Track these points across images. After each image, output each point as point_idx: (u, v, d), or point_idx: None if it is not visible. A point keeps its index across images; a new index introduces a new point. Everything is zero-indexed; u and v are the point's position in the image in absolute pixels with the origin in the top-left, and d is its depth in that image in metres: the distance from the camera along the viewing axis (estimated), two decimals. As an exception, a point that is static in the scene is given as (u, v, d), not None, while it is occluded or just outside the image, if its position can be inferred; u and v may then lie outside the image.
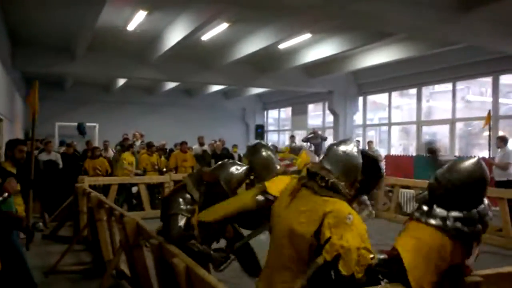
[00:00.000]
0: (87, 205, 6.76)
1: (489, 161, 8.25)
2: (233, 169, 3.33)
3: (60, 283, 5.32)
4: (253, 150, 3.43)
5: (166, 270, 3.19)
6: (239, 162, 3.50)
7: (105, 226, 5.91)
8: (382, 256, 2.21)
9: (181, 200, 3.18)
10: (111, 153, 12.17)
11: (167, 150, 12.89)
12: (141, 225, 3.85)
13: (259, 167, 3.30)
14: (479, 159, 2.25)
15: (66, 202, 8.55)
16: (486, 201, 2.30)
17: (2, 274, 3.34)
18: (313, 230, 2.11)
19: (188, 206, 3.17)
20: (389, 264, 2.18)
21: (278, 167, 3.31)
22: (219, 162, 3.50)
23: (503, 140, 8.49)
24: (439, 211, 2.21)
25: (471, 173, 2.20)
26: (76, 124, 15.87)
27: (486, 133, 12.05)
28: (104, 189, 9.74)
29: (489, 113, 9.13)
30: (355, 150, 2.35)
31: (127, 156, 10.93)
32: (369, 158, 2.52)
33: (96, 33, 8.92)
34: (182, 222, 3.10)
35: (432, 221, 2.20)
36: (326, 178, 2.22)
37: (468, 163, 2.25)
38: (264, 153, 3.32)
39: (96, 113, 16.73)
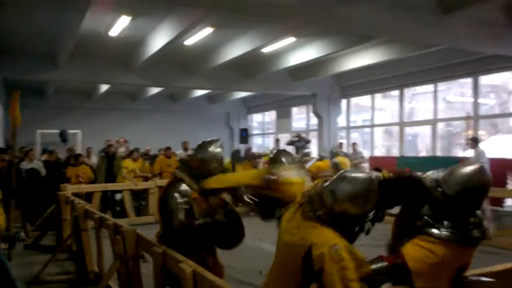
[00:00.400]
0: (72, 214, 6.66)
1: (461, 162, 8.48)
2: (211, 148, 3.47)
3: (43, 294, 5.23)
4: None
5: (170, 279, 3.16)
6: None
7: (90, 236, 5.84)
8: (383, 264, 2.22)
9: (176, 194, 3.22)
10: (94, 160, 12.02)
11: (151, 156, 12.79)
12: (141, 236, 3.79)
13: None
14: (481, 167, 2.31)
15: (48, 210, 8.42)
16: (484, 205, 2.34)
17: None
18: (301, 256, 2.16)
19: (185, 199, 3.22)
20: (392, 272, 2.19)
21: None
22: (198, 144, 3.60)
23: (475, 141, 8.89)
24: (446, 223, 2.26)
25: (469, 182, 2.25)
26: (58, 131, 15.66)
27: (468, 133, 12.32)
28: (87, 197, 9.61)
29: (467, 117, 9.36)
30: (362, 181, 2.24)
31: (128, 164, 10.83)
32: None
33: (79, 39, 8.82)
34: (181, 214, 3.15)
35: (436, 232, 2.26)
36: (315, 208, 2.21)
37: (467, 170, 2.29)
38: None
39: (78, 120, 16.51)
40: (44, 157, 11.57)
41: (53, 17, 8.15)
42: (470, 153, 8.95)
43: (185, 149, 12.62)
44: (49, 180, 10.00)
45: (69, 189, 7.77)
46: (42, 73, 11.29)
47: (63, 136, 15.70)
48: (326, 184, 2.28)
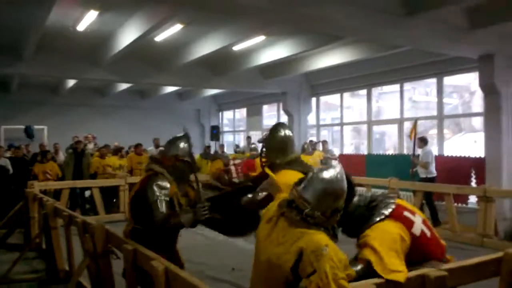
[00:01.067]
0: (40, 212, 6.56)
1: (412, 158, 9.25)
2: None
3: (12, 292, 5.15)
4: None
5: (141, 276, 3.16)
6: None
7: (59, 234, 5.77)
8: (360, 267, 2.36)
9: (155, 187, 3.27)
10: (62, 157, 11.82)
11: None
12: (111, 232, 3.77)
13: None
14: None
15: (15, 208, 8.25)
16: None
17: None
18: (290, 266, 2.15)
19: (164, 191, 3.27)
20: (366, 270, 2.34)
21: None
22: (167, 141, 3.68)
23: (423, 141, 9.36)
24: None
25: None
26: (23, 127, 15.27)
27: (432, 131, 12.69)
28: (55, 194, 9.45)
29: (415, 122, 9.72)
30: (337, 176, 2.35)
31: (114, 161, 10.72)
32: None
33: (45, 33, 8.62)
34: (163, 206, 3.20)
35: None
36: (302, 209, 2.24)
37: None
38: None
39: (44, 116, 16.14)
40: (9, 153, 11.29)
41: (18, 10, 7.92)
42: (418, 152, 9.34)
43: (157, 146, 12.57)
44: (15, 177, 9.79)
45: (36, 186, 7.64)
46: (6, 67, 10.94)
47: (29, 132, 15.32)
48: (302, 186, 2.37)
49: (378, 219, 2.63)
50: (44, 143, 13.06)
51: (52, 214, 5.67)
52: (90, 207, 10.92)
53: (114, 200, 10.55)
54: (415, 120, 9.96)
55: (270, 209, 2.50)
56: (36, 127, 15.60)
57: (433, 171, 9.17)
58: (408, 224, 2.64)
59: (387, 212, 2.66)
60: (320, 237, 2.19)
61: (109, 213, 9.94)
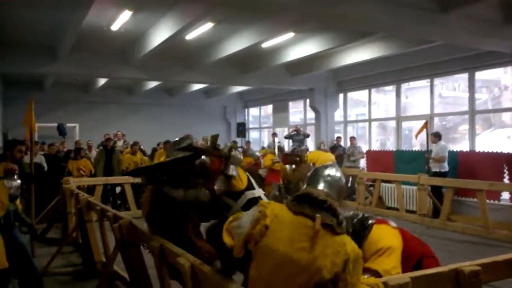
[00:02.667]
0: (76, 206, 6.77)
1: (427, 155, 9.45)
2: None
3: (51, 286, 5.32)
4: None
5: (170, 270, 3.27)
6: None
7: (95, 228, 5.95)
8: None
9: None
10: (94, 153, 12.11)
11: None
12: (138, 227, 3.91)
13: None
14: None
15: (51, 203, 8.52)
16: None
17: (9, 269, 3.46)
18: (335, 272, 2.02)
19: None
20: None
21: None
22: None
23: (437, 136, 9.57)
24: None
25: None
26: (56, 124, 15.67)
27: (462, 127, 12.53)
28: (89, 190, 9.71)
29: (425, 123, 9.86)
30: (339, 173, 2.48)
31: (136, 158, 10.91)
32: None
33: (79, 33, 8.85)
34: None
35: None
36: (337, 212, 2.17)
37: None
38: None
39: (76, 114, 16.54)
40: (41, 151, 11.61)
41: (55, 11, 8.17)
42: (433, 148, 9.51)
43: (185, 144, 12.68)
44: (50, 173, 10.09)
45: (72, 182, 7.87)
46: (41, 67, 11.26)
47: (61, 130, 15.70)
48: (321, 184, 2.37)
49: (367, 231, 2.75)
50: (78, 140, 13.39)
51: (86, 208, 5.87)
52: (120, 202, 11.19)
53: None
54: (425, 121, 9.96)
55: (275, 208, 2.26)
56: (68, 124, 15.99)
57: (445, 166, 9.24)
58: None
59: (372, 220, 2.83)
60: (353, 243, 2.16)
61: (140, 208, 10.14)
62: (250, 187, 3.55)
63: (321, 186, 2.34)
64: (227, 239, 2.30)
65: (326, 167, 2.48)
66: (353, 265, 2.04)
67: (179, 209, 3.37)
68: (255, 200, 3.25)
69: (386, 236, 2.73)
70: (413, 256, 2.71)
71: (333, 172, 2.44)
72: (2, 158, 4.79)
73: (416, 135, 10.00)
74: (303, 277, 2.02)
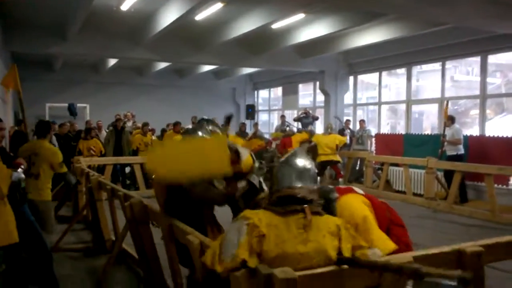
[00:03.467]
0: (86, 185, 6.89)
1: (443, 139, 9.34)
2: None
3: (61, 262, 5.45)
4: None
5: (180, 246, 3.32)
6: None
7: (104, 206, 6.06)
8: None
9: None
10: (104, 134, 12.23)
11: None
12: (149, 206, 3.98)
13: None
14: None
15: (62, 182, 8.63)
16: None
17: (19, 245, 3.55)
18: (338, 247, 2.20)
19: None
20: None
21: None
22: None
23: (450, 119, 9.47)
24: None
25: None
26: (66, 104, 15.81)
27: (473, 112, 12.39)
28: (99, 169, 9.84)
29: (446, 105, 9.74)
30: (307, 162, 2.49)
31: (146, 139, 11.00)
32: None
33: (89, 12, 8.85)
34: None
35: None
36: (319, 202, 2.33)
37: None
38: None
39: (86, 94, 16.65)
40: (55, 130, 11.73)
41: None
42: (447, 131, 9.43)
43: (194, 123, 12.76)
44: (60, 152, 10.19)
45: (83, 162, 7.98)
46: (51, 47, 11.30)
47: (72, 110, 15.85)
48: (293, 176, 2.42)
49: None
50: (89, 120, 13.52)
51: (97, 187, 5.97)
52: (130, 182, 11.32)
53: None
54: (446, 102, 9.85)
55: (261, 216, 2.21)
56: (78, 105, 16.13)
57: (461, 148, 9.19)
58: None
59: (334, 194, 2.72)
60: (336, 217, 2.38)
61: (149, 188, 10.27)
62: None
63: (298, 183, 2.36)
64: (218, 267, 2.09)
65: (292, 159, 2.48)
66: (344, 232, 2.22)
67: (194, 203, 3.39)
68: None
69: (357, 206, 2.64)
70: (382, 223, 2.64)
71: (301, 163, 2.46)
72: None
73: (444, 117, 9.79)
74: (319, 263, 2.13)
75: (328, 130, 11.66)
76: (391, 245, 2.45)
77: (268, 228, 2.13)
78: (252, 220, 2.15)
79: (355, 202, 2.66)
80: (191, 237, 2.84)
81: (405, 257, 2.24)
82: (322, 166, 10.95)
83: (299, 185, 2.34)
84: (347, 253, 2.17)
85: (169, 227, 3.34)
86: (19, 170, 3.90)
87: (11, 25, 10.41)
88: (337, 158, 10.88)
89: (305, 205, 2.22)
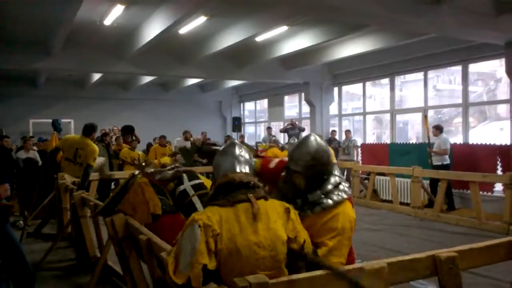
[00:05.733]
0: (70, 202, 6.78)
1: (429, 149, 9.42)
2: None
3: (45, 280, 5.36)
4: None
5: (158, 263, 3.31)
6: None
7: (88, 223, 5.97)
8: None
9: None
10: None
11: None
12: (130, 222, 3.93)
13: None
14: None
15: (46, 199, 8.51)
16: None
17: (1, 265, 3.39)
18: (290, 229, 2.22)
19: None
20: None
21: None
22: None
23: (438, 129, 9.62)
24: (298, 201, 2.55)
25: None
26: (50, 120, 15.63)
27: (456, 120, 12.56)
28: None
29: (425, 116, 10.03)
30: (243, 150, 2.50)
31: (134, 154, 10.90)
32: None
33: (72, 28, 8.82)
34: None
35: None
36: (259, 184, 2.34)
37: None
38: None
39: (70, 109, 16.52)
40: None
41: (48, 6, 8.14)
42: (434, 140, 9.54)
43: (186, 138, 12.76)
44: (45, 169, 10.07)
45: (68, 178, 7.85)
46: (35, 62, 11.22)
47: (56, 125, 15.65)
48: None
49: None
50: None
51: (80, 203, 5.88)
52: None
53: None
54: (424, 115, 10.00)
55: (210, 214, 2.15)
56: (63, 120, 15.95)
57: (447, 158, 9.26)
58: None
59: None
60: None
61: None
62: None
63: (237, 168, 2.34)
64: (177, 280, 1.98)
65: (229, 148, 2.49)
66: (292, 222, 2.22)
67: None
68: None
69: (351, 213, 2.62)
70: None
71: (237, 151, 2.43)
72: None
73: (425, 128, 9.93)
74: (274, 251, 2.10)
75: None
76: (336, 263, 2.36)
77: (220, 225, 2.08)
78: (202, 221, 2.07)
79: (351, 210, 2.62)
80: (165, 254, 2.83)
81: (379, 263, 2.24)
82: None
83: (238, 171, 2.31)
84: (291, 235, 2.18)
85: (147, 241, 3.31)
86: None
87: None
88: None
89: (250, 194, 2.18)
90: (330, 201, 2.49)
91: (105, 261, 5.05)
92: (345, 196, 2.54)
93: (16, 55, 10.85)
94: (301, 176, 2.54)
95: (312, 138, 2.63)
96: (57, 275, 5.69)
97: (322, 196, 2.51)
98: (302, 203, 2.52)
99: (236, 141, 2.65)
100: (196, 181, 3.48)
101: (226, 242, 2.05)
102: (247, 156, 2.44)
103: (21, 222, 8.50)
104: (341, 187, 2.57)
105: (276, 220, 2.16)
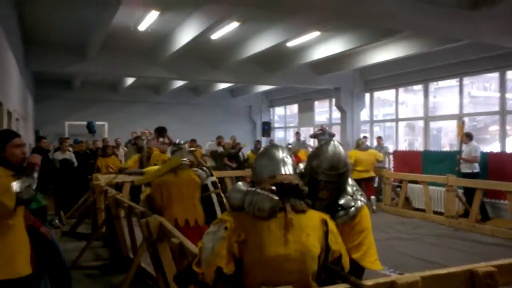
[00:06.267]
0: (105, 203, 6.94)
1: (458, 156, 9.25)
2: None
3: (79, 279, 5.48)
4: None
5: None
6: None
7: (122, 224, 6.09)
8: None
9: None
10: (122, 151, 12.34)
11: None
12: (164, 225, 4.00)
13: None
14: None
15: (81, 199, 8.75)
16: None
17: (36, 262, 3.37)
18: (321, 246, 2.10)
19: None
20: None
21: None
22: None
23: (468, 136, 9.35)
24: None
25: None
26: (85, 123, 16.06)
27: (492, 128, 12.21)
28: (117, 187, 9.88)
29: (462, 122, 9.77)
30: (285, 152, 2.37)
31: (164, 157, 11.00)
32: None
33: (108, 32, 9.02)
34: None
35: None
36: (303, 190, 2.17)
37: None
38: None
39: (104, 112, 16.91)
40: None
41: (84, 11, 8.36)
42: (464, 148, 9.32)
43: (219, 143, 12.84)
44: (80, 170, 10.36)
45: (102, 179, 8.05)
46: (71, 66, 11.51)
47: (91, 128, 16.09)
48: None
49: None
50: (105, 138, 13.71)
51: (114, 204, 6.01)
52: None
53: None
54: (462, 121, 9.76)
55: (236, 217, 2.09)
56: (97, 123, 16.37)
57: (477, 166, 9.05)
58: None
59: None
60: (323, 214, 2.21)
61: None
62: None
63: (282, 170, 2.18)
64: (196, 268, 2.02)
65: (270, 150, 2.33)
66: (332, 234, 2.10)
67: None
68: None
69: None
70: None
71: (280, 154, 2.27)
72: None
73: (459, 135, 9.74)
74: (303, 266, 2.01)
75: (360, 146, 11.26)
76: (378, 265, 2.39)
77: (248, 232, 1.99)
78: (230, 223, 2.02)
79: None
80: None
81: (412, 277, 2.16)
82: (358, 184, 10.83)
83: (284, 173, 2.16)
84: (335, 247, 2.08)
85: (179, 245, 3.42)
86: (33, 173, 3.04)
87: (33, 44, 10.67)
88: (374, 174, 10.78)
89: (287, 203, 2.04)
90: (354, 209, 2.47)
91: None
92: (364, 201, 2.54)
93: (53, 58, 11.17)
94: (325, 184, 2.43)
95: (332, 144, 2.52)
96: (91, 274, 5.85)
97: (351, 201, 2.50)
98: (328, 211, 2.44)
99: (274, 142, 2.57)
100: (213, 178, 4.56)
101: (252, 250, 1.98)
102: (289, 158, 2.27)
103: (57, 221, 8.76)
104: (358, 194, 2.56)
105: (310, 234, 2.04)
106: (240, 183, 2.27)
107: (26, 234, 3.09)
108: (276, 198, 2.02)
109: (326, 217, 2.17)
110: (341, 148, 2.51)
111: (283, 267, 1.98)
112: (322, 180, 2.40)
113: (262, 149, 2.55)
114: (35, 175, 3.03)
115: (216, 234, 2.01)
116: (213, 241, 2.00)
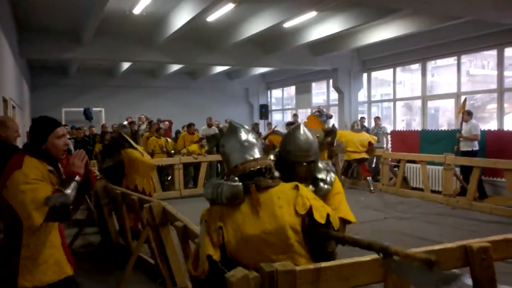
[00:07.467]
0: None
1: (458, 135, 9.21)
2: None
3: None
4: None
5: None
6: None
7: (108, 210, 6.06)
8: None
9: None
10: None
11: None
12: (167, 209, 4.02)
13: None
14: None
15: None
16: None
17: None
18: (299, 213, 2.17)
19: None
20: None
21: None
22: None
23: (469, 114, 9.27)
24: None
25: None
26: (82, 109, 15.99)
27: (490, 106, 12.18)
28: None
29: (464, 101, 9.55)
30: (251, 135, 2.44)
31: (161, 141, 10.99)
32: None
33: (103, 17, 8.92)
34: None
35: None
36: (271, 167, 2.31)
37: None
38: None
39: (101, 98, 16.86)
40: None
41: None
42: (464, 126, 9.29)
43: (209, 125, 12.82)
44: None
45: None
46: (66, 52, 11.43)
47: (87, 114, 16.03)
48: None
49: None
50: (104, 124, 13.68)
51: (103, 192, 5.98)
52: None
53: (169, 178, 10.94)
54: (464, 98, 9.69)
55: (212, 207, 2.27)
56: (94, 109, 16.30)
57: (476, 144, 9.07)
58: None
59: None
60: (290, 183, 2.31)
61: (164, 191, 10.32)
62: None
63: (246, 156, 2.30)
64: (193, 272, 2.30)
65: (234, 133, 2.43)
66: (301, 197, 2.17)
67: None
68: None
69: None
70: None
71: (244, 136, 2.36)
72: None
73: (458, 113, 9.70)
74: (283, 236, 2.11)
75: (355, 127, 11.25)
76: (352, 218, 2.71)
77: (222, 219, 2.17)
78: (205, 217, 2.24)
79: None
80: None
81: (419, 252, 2.19)
82: (348, 164, 10.90)
83: (250, 158, 2.27)
84: (301, 211, 2.13)
85: (183, 228, 3.46)
86: (72, 185, 2.46)
87: (27, 31, 10.55)
88: (367, 155, 10.80)
89: (251, 184, 2.17)
90: (330, 178, 2.80)
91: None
92: (333, 170, 2.90)
93: (48, 45, 11.08)
94: (300, 165, 2.65)
95: (302, 130, 2.73)
96: (83, 259, 5.85)
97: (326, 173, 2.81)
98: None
99: (235, 122, 2.53)
100: None
101: (231, 234, 2.14)
102: (251, 138, 2.36)
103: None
104: (328, 167, 2.86)
105: (283, 205, 2.14)
106: (213, 178, 2.43)
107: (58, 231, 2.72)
108: (237, 183, 2.18)
109: (298, 183, 2.27)
110: (307, 132, 2.73)
111: (264, 242, 2.11)
112: (300, 161, 2.65)
113: (225, 132, 2.57)
114: (73, 186, 2.45)
115: (201, 232, 2.25)
116: (201, 239, 2.23)
